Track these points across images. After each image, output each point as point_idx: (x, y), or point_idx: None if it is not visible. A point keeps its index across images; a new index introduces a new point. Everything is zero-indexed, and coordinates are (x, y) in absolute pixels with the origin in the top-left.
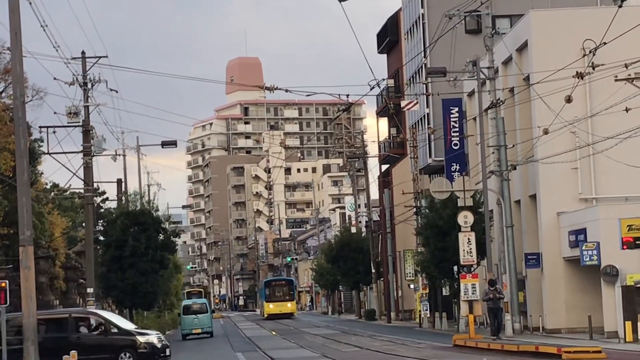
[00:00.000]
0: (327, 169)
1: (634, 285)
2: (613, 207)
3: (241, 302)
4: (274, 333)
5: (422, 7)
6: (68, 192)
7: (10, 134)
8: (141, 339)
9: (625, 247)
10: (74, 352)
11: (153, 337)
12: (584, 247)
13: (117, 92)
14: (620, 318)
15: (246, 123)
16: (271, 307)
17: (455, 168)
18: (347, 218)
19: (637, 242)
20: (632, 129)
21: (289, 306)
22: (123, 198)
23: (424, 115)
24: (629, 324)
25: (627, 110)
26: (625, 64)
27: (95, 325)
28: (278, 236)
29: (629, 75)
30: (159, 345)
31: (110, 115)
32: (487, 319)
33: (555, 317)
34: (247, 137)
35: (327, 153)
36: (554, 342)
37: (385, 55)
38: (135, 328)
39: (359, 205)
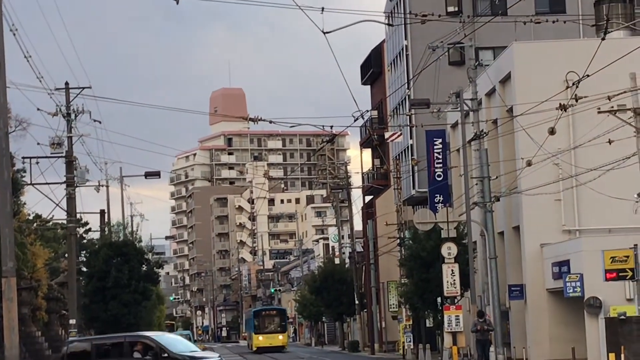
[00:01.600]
0: (310, 200)
1: (618, 317)
2: (596, 238)
3: (224, 334)
4: None
5: (406, 38)
6: (51, 223)
7: None
8: None
9: (608, 278)
10: None
11: None
12: (567, 279)
13: (100, 122)
14: (603, 350)
15: (230, 154)
16: (260, 340)
17: (439, 199)
18: (330, 249)
19: (620, 274)
20: (615, 161)
21: (280, 338)
22: (106, 229)
23: (408, 147)
24: (612, 355)
25: (610, 142)
26: (608, 96)
27: (147, 349)
28: (261, 267)
29: (612, 107)
30: None
31: (93, 145)
32: (475, 351)
33: (539, 348)
34: (231, 168)
35: (310, 184)
36: None
37: (369, 87)
38: (193, 352)
39: (343, 236)
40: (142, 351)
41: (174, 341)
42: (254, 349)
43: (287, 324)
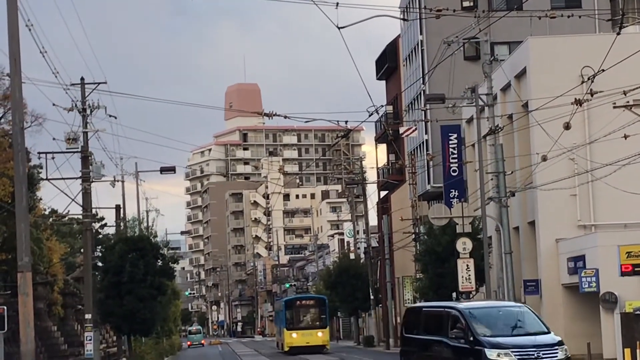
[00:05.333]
0: (325, 195)
1: (633, 312)
2: (612, 234)
3: (239, 329)
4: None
5: (421, 34)
6: (66, 218)
7: (9, 160)
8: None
9: (624, 273)
10: None
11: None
12: (582, 274)
13: (116, 118)
14: (619, 345)
15: (245, 149)
16: (294, 337)
17: (454, 194)
18: (345, 244)
19: (636, 269)
20: (630, 156)
21: (320, 335)
22: (121, 224)
23: (423, 142)
24: (627, 350)
25: (625, 137)
26: (624, 90)
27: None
28: (276, 262)
29: (628, 102)
30: None
31: (109, 141)
32: None
33: None
34: (246, 163)
35: (325, 179)
36: None
37: (384, 82)
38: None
39: (358, 232)
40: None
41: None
42: (286, 349)
43: (328, 317)
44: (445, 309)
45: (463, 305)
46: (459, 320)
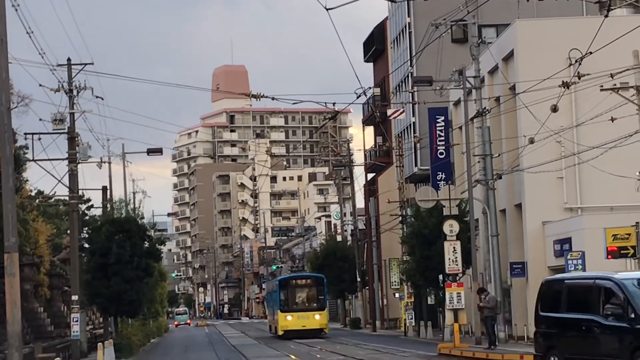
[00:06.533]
0: (312, 177)
1: None
2: (598, 216)
3: (226, 311)
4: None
5: (409, 16)
6: (53, 199)
7: None
8: None
9: (610, 256)
10: None
11: None
12: (569, 257)
13: (102, 99)
14: None
15: (232, 131)
16: (289, 320)
17: (441, 177)
18: (332, 226)
19: (621, 252)
20: (617, 139)
21: (318, 318)
22: (108, 205)
23: (410, 124)
24: None
25: (612, 119)
26: (611, 73)
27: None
28: (263, 244)
29: (615, 85)
30: None
31: (95, 122)
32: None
33: None
34: (233, 145)
35: (313, 161)
36: None
37: (371, 64)
38: None
39: (345, 214)
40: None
41: None
42: (280, 332)
43: (327, 297)
44: (596, 281)
45: (620, 275)
46: (615, 293)
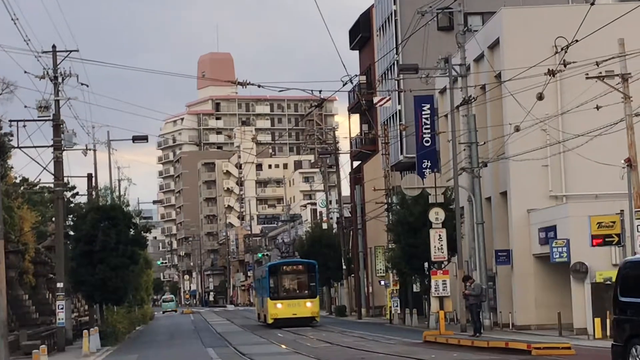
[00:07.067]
0: (298, 165)
1: (604, 282)
2: (583, 204)
3: (211, 298)
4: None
5: (395, 3)
6: (38, 187)
7: None
8: None
9: (594, 244)
10: None
11: None
12: (553, 244)
13: (87, 86)
14: (589, 315)
15: (217, 119)
16: (279, 308)
17: (427, 165)
18: (318, 214)
19: (606, 240)
20: (602, 127)
21: (309, 306)
22: (93, 193)
23: (396, 112)
24: (598, 320)
25: (597, 108)
26: (597, 61)
27: None
28: (249, 232)
29: (600, 73)
30: None
31: (80, 109)
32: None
33: (525, 313)
34: (219, 133)
35: (298, 149)
36: (523, 339)
37: (357, 52)
38: None
39: (330, 202)
40: None
41: None
42: (270, 321)
43: (318, 284)
44: None
45: None
46: None
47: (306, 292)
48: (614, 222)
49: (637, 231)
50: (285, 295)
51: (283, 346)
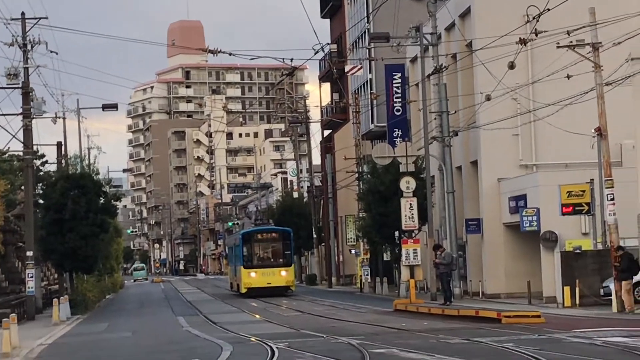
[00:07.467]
0: (269, 134)
1: (573, 251)
2: (553, 173)
3: (182, 267)
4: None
5: None
6: (7, 155)
7: None
8: None
9: (564, 213)
10: None
11: None
12: (524, 213)
13: (57, 54)
14: (559, 283)
15: (188, 87)
16: (253, 277)
17: (398, 134)
18: (289, 183)
19: (576, 209)
20: (573, 96)
21: (284, 275)
22: (63, 161)
23: (367, 81)
24: (567, 289)
25: (568, 77)
26: (568, 30)
27: None
28: (219, 201)
29: (571, 42)
30: None
31: (50, 77)
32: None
33: (495, 282)
34: (189, 101)
35: (269, 118)
36: (493, 307)
37: (328, 20)
38: None
39: (301, 171)
40: None
41: None
42: (243, 290)
43: (293, 252)
44: None
45: None
46: None
47: (281, 260)
48: (583, 191)
49: (607, 200)
50: (259, 263)
51: (258, 316)
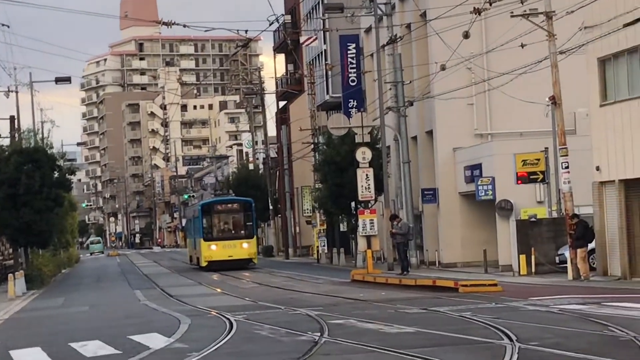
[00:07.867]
0: (223, 105)
1: (528, 219)
2: (508, 142)
3: (137, 240)
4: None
5: None
6: None
7: None
8: None
9: (519, 181)
10: None
11: None
12: (479, 182)
13: (8, 27)
14: (514, 252)
15: (141, 59)
16: (214, 250)
17: (353, 104)
18: (244, 155)
19: (531, 177)
20: (527, 65)
21: (246, 247)
22: (16, 135)
23: (322, 52)
24: (523, 257)
25: (522, 46)
26: (521, 0)
27: None
28: (174, 173)
29: (525, 11)
30: None
31: (1, 50)
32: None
33: (451, 251)
34: (143, 74)
35: (223, 90)
36: (450, 276)
37: None
38: None
39: (257, 142)
40: None
41: None
42: (204, 264)
43: (255, 223)
44: None
45: None
46: None
47: (242, 232)
48: (538, 160)
49: (562, 168)
50: (220, 236)
51: (218, 290)
